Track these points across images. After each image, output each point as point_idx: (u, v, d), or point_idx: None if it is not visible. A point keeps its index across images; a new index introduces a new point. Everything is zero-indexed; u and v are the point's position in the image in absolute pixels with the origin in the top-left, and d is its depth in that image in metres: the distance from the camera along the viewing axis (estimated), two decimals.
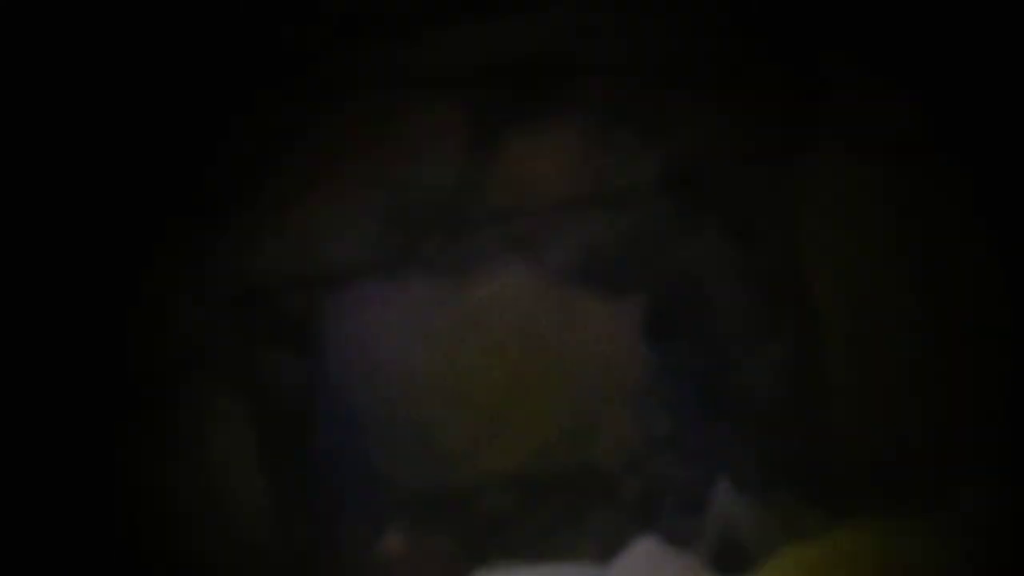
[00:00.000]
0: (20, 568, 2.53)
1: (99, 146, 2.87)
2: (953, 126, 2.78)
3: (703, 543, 2.41)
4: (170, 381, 2.94)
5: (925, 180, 2.85)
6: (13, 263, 2.77)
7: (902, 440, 2.60)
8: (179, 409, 2.91)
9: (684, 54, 3.10)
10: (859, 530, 2.18)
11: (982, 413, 2.66)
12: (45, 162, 2.78)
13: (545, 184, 3.20)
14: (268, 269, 3.11)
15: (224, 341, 3.06)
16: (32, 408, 2.81)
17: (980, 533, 2.17)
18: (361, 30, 3.01)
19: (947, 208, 2.83)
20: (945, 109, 2.78)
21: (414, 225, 3.16)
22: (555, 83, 3.16)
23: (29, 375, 2.82)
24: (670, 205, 3.16)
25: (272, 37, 2.95)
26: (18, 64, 2.66)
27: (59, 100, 2.77)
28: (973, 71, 2.68)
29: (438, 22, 3.08)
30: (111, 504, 2.78)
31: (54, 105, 2.76)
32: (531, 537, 2.94)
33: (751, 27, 2.98)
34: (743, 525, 2.42)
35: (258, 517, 2.92)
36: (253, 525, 2.91)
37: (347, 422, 3.17)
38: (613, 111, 3.17)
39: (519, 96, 3.16)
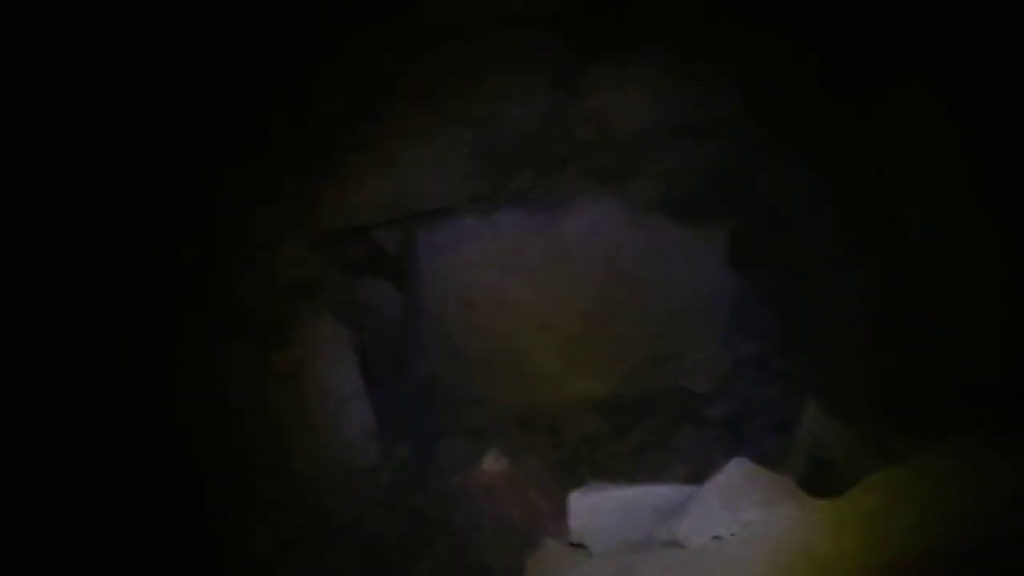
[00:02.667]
0: (136, 480, 2.56)
1: (216, 96, 2.84)
2: None
3: (792, 464, 2.30)
4: (281, 312, 2.92)
5: (1009, 104, 2.63)
6: (141, 210, 2.77)
7: (992, 361, 2.42)
8: (290, 338, 2.90)
9: None
10: (949, 452, 2.04)
11: None
12: (164, 110, 2.75)
13: (629, 118, 3.05)
14: (368, 206, 3.06)
15: (329, 275, 3.04)
16: (155, 334, 2.82)
17: None
18: None
19: None
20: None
21: (504, 161, 3.06)
22: (638, 17, 3.00)
23: (155, 307, 2.83)
24: (753, 134, 3.00)
25: None
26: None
27: (175, 52, 2.73)
28: None
29: None
30: (227, 426, 2.79)
31: (173, 55, 2.73)
32: (622, 458, 2.86)
33: None
34: (832, 447, 2.30)
35: (364, 439, 2.90)
36: (359, 447, 2.90)
37: (444, 349, 3.12)
38: (696, 43, 3.00)
39: (603, 32, 3.01)
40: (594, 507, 2.03)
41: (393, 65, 2.98)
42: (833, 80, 2.89)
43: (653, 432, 2.90)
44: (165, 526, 2.56)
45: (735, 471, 1.92)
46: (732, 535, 1.78)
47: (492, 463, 2.60)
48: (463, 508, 2.59)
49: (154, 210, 2.78)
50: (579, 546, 2.06)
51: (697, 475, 2.60)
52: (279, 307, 2.91)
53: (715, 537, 1.80)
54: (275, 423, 2.85)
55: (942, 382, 2.46)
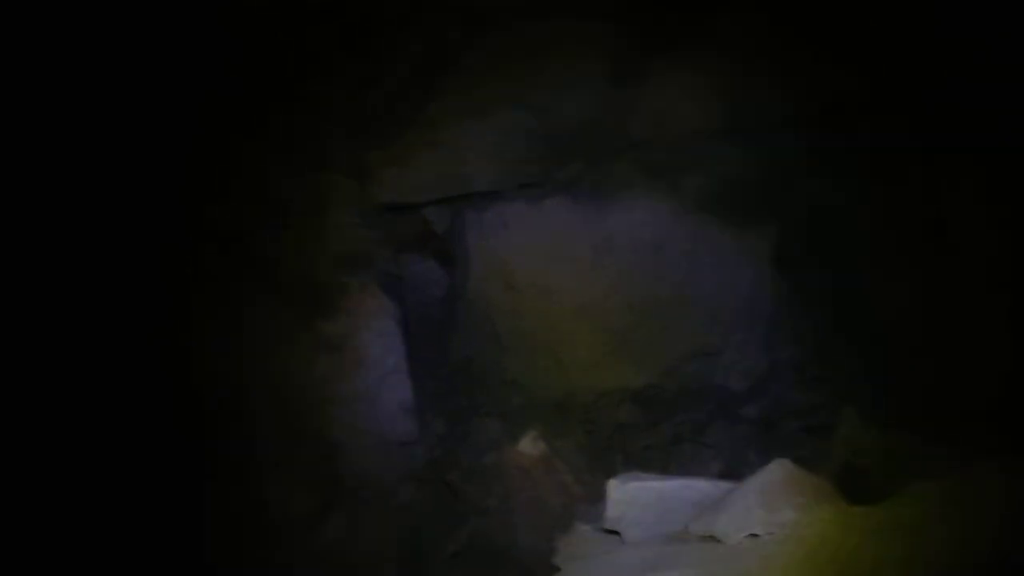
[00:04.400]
0: (185, 442, 2.60)
1: (272, 65, 2.85)
2: None
3: (826, 469, 2.29)
4: (329, 283, 2.94)
5: None
6: (189, 176, 2.80)
7: None
8: (336, 309, 2.92)
9: None
10: (987, 470, 2.02)
11: None
12: (217, 77, 2.77)
13: (684, 115, 3.03)
14: (420, 184, 3.06)
15: (377, 249, 3.05)
16: (203, 300, 2.86)
17: None
18: None
19: None
20: None
21: (557, 148, 3.05)
22: (698, 18, 2.97)
23: (202, 273, 2.86)
24: (809, 139, 2.96)
25: None
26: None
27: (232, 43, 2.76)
28: None
29: None
30: (270, 392, 2.82)
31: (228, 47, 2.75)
32: (655, 449, 2.86)
33: None
34: (868, 454, 2.28)
35: (402, 413, 2.92)
36: (396, 420, 2.91)
37: (485, 331, 3.13)
38: (754, 46, 2.97)
39: (663, 29, 2.99)
40: (632, 496, 2.03)
41: (457, 43, 2.98)
42: (892, 93, 2.86)
43: (687, 426, 2.90)
44: (211, 486, 2.60)
45: (775, 471, 1.91)
46: (769, 534, 1.79)
47: (529, 445, 2.61)
48: (497, 487, 2.60)
49: (202, 177, 2.81)
50: (612, 532, 2.07)
51: (729, 472, 2.60)
52: (327, 278, 2.93)
53: (752, 535, 1.80)
54: (317, 392, 2.87)
55: (985, 398, 2.43)
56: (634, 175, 3.06)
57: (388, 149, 3.01)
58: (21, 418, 2.32)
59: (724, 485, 2.02)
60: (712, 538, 1.85)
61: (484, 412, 3.00)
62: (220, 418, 2.75)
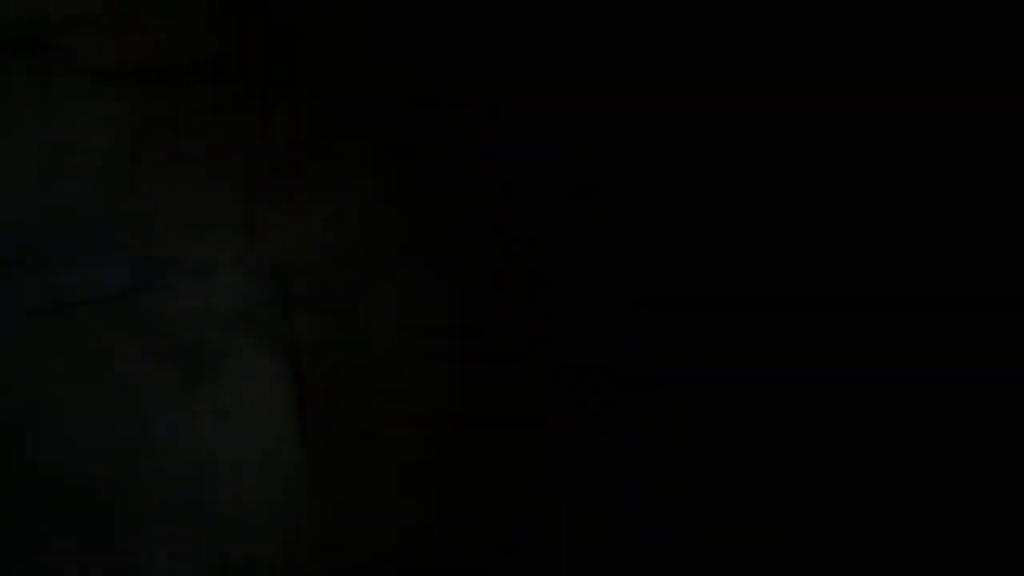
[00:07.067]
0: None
1: (163, 133, 2.78)
2: None
3: None
4: (215, 345, 2.82)
5: None
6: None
7: None
8: (222, 373, 2.80)
9: None
10: None
11: None
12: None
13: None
14: (312, 242, 2.98)
15: (268, 309, 2.94)
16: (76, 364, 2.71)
17: None
18: None
19: None
20: None
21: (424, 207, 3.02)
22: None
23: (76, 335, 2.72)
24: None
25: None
26: None
27: None
28: None
29: None
30: (161, 465, 2.68)
31: None
32: None
33: None
34: None
35: (295, 481, 2.79)
36: (289, 489, 2.79)
37: None
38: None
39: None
40: None
41: (347, 103, 2.95)
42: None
43: None
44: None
45: None
46: None
47: None
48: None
49: (80, 231, 2.69)
50: None
51: None
52: (214, 341, 2.81)
53: None
54: (205, 460, 2.73)
55: None
56: None
57: (279, 207, 2.93)
58: None
59: None
60: None
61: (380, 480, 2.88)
62: (94, 494, 2.59)
